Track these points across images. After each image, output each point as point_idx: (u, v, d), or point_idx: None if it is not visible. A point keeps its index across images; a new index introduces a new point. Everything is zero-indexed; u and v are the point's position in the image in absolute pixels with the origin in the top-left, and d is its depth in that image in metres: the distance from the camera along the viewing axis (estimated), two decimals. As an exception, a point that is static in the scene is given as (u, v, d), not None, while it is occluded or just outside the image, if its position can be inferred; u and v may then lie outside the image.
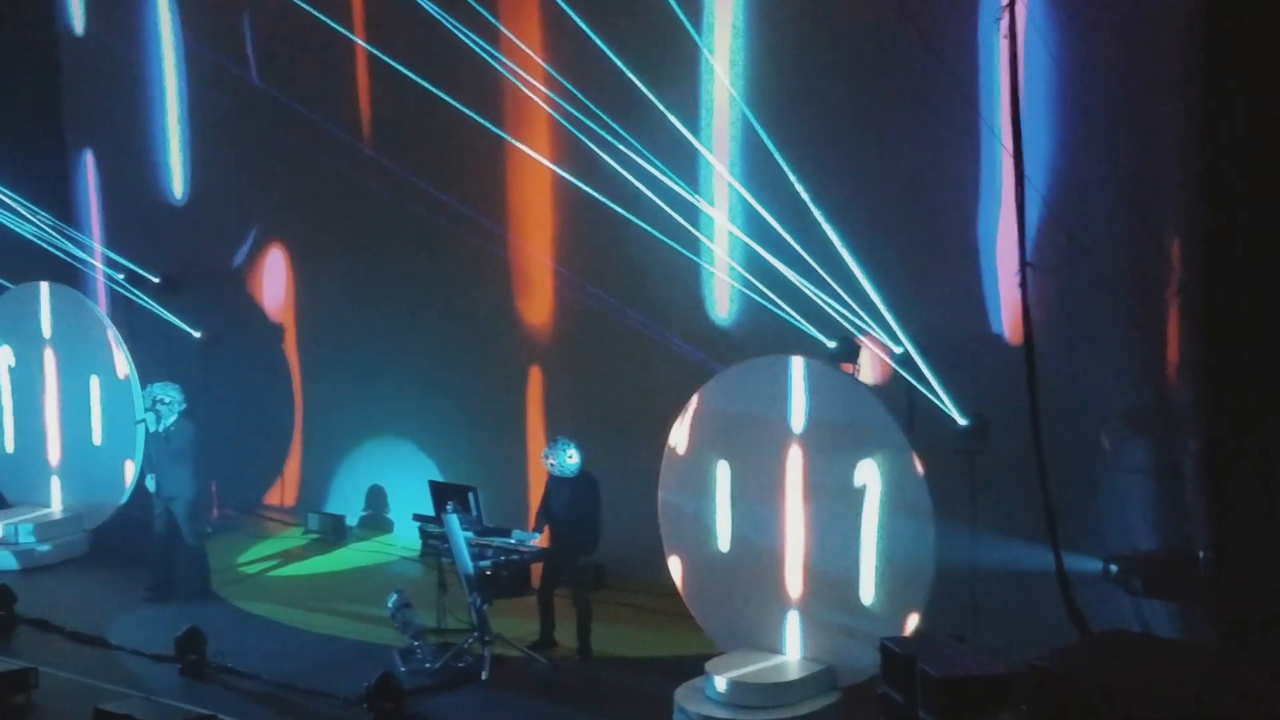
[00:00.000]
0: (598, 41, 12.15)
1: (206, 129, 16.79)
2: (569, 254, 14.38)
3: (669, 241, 12.85)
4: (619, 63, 12.17)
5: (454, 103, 13.16)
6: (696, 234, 13.02)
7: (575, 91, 12.64)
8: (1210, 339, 10.63)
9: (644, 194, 12.52)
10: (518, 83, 13.32)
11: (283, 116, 14.70)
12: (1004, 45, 11.13)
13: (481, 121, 13.37)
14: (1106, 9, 11.29)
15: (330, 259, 16.16)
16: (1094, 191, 11.40)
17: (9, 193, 15.65)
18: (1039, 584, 11.12)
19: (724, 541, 11.61)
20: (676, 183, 12.38)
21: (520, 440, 14.86)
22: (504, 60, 13.19)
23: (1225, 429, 10.56)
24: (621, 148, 12.27)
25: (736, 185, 12.67)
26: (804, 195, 11.49)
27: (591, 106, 12.44)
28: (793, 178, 11.51)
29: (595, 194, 12.84)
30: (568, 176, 13.31)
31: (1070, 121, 11.43)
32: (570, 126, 13.04)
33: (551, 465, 12.31)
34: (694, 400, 11.82)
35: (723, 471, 11.58)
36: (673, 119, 12.22)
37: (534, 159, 14.05)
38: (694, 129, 13.08)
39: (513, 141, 13.77)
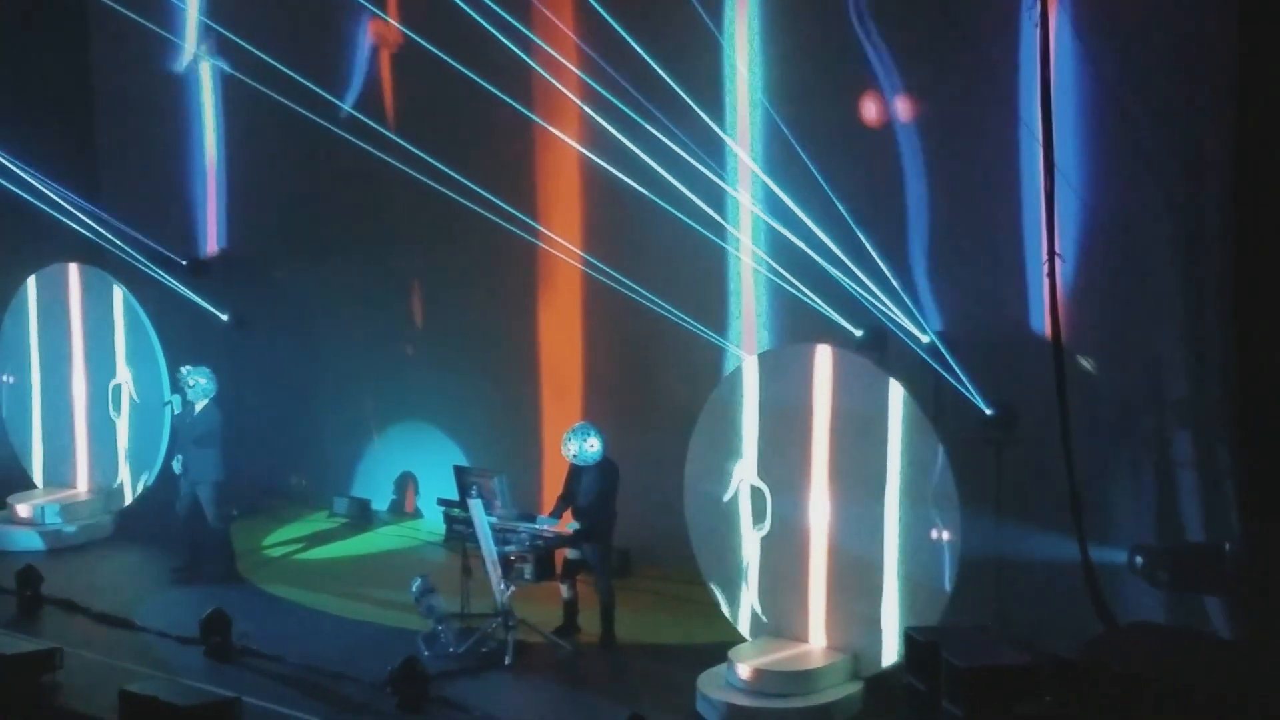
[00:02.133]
0: (623, 32, 12.16)
1: (235, 117, 16.83)
2: (593, 240, 14.35)
3: (696, 226, 12.81)
4: (645, 54, 12.18)
5: (485, 84, 13.13)
6: (722, 222, 13.00)
7: (605, 66, 12.61)
8: (1242, 331, 10.57)
9: (670, 182, 12.51)
10: (546, 73, 13.30)
11: (310, 103, 14.70)
12: (1036, 34, 11.07)
13: (510, 102, 13.34)
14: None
15: (356, 245, 16.16)
16: (1125, 183, 11.34)
17: (37, 173, 15.69)
18: (1065, 575, 11.09)
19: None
20: (702, 161, 12.36)
21: (546, 427, 14.85)
22: (532, 37, 13.17)
23: (1255, 421, 10.50)
24: (649, 128, 12.25)
25: (762, 174, 12.66)
26: (828, 186, 11.50)
27: (627, 87, 12.42)
28: (815, 170, 11.51)
29: (620, 175, 12.81)
30: (592, 156, 13.28)
31: (1102, 112, 11.37)
32: (594, 114, 13.04)
33: (572, 454, 12.30)
34: (717, 390, 11.82)
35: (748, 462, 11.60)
36: (702, 112, 12.22)
37: (559, 146, 14.07)
38: (720, 119, 13.06)
39: (539, 121, 13.73)
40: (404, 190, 15.07)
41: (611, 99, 12.57)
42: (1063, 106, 11.22)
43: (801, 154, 11.78)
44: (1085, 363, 11.37)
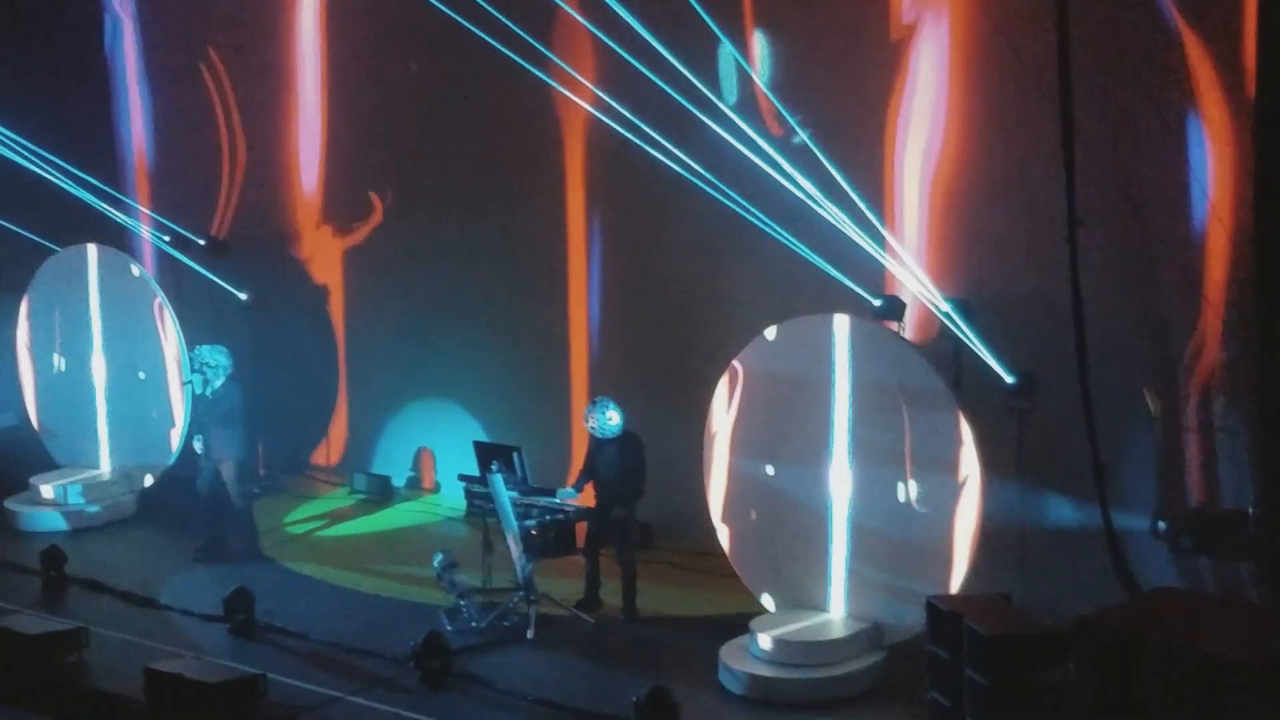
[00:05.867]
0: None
1: (255, 90, 16.84)
2: (613, 214, 14.34)
3: (717, 194, 12.76)
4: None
5: (505, 50, 13.07)
6: (738, 195, 12.96)
7: (640, 23, 12.57)
8: (1262, 294, 10.50)
9: (689, 154, 12.48)
10: (556, 79, 13.25)
11: (332, 79, 14.75)
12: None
13: (531, 70, 13.28)
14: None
15: (375, 221, 16.17)
16: (1145, 147, 11.27)
17: (56, 156, 15.70)
18: (1087, 542, 11.06)
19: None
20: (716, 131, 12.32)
21: (564, 401, 14.86)
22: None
23: (1278, 385, 10.44)
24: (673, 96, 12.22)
25: (768, 143, 12.60)
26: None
27: (662, 47, 12.38)
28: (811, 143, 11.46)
29: (638, 141, 12.76)
30: (614, 125, 13.23)
31: (1121, 75, 11.29)
32: (615, 80, 13.01)
33: (593, 427, 12.30)
34: (737, 362, 11.80)
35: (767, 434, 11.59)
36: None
37: (580, 125, 14.07)
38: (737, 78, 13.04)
39: (560, 89, 13.65)
40: (423, 161, 15.07)
41: (631, 60, 12.52)
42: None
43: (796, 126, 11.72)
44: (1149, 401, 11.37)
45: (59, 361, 16.30)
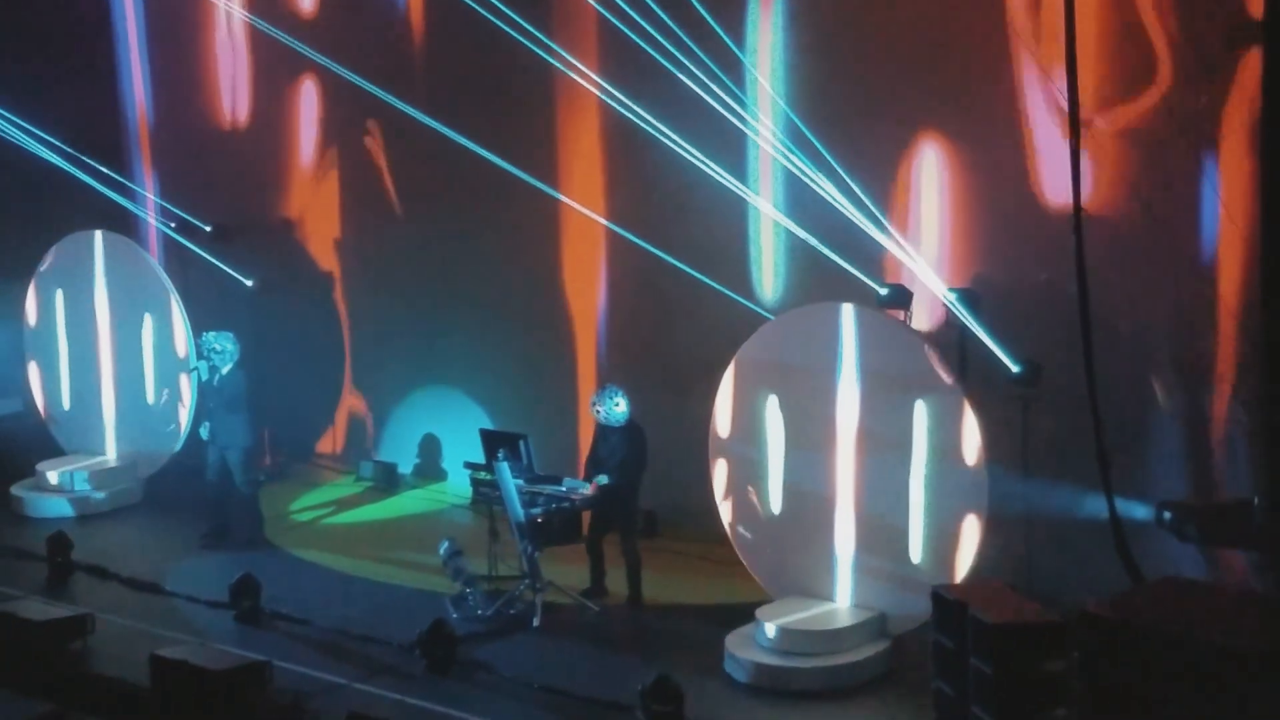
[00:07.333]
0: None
1: (263, 77, 16.83)
2: (619, 202, 14.32)
3: (719, 175, 12.76)
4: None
5: (506, 28, 13.05)
6: (740, 186, 12.94)
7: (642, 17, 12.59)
8: (1269, 283, 10.49)
9: (693, 140, 12.47)
10: (564, 52, 13.23)
11: (339, 60, 14.74)
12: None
13: (540, 55, 13.27)
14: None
15: (381, 209, 16.17)
16: (1151, 137, 11.25)
17: (62, 142, 15.71)
18: (1092, 531, 11.06)
19: (775, 497, 11.63)
20: (723, 115, 12.31)
21: (571, 389, 14.86)
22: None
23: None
24: (674, 69, 12.21)
25: (779, 134, 12.59)
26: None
27: (659, 28, 12.39)
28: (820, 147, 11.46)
29: (643, 124, 12.75)
30: (616, 105, 13.23)
31: (1128, 66, 11.27)
32: (617, 71, 12.98)
33: (599, 413, 12.32)
34: (742, 350, 11.79)
35: (773, 422, 11.57)
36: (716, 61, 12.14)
37: (584, 113, 14.04)
38: (740, 65, 13.01)
39: (565, 72, 13.64)
40: (428, 150, 15.05)
41: (638, 40, 12.51)
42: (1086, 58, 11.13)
43: (796, 124, 11.70)
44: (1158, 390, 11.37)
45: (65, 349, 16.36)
